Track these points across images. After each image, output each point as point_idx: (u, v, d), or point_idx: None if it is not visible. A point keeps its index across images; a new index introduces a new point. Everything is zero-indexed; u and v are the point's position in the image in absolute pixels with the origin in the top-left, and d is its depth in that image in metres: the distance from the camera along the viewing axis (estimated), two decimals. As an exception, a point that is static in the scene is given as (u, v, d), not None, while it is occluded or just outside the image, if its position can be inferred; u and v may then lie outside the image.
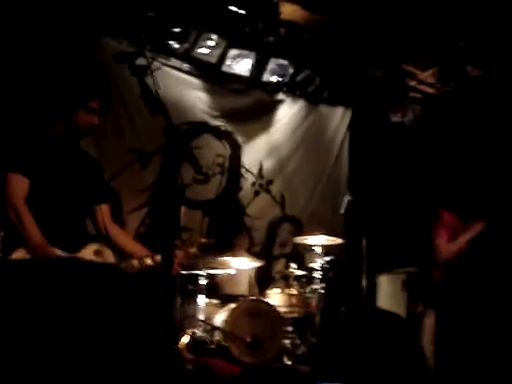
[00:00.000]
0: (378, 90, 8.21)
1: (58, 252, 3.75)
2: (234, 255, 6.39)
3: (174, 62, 7.17)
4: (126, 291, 3.14)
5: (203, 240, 4.96)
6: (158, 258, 4.31)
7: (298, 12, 6.71)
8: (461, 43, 7.00)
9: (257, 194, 8.00)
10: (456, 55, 7.11)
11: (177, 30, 6.71)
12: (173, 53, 7.02)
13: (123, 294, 3.06)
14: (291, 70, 7.63)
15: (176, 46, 6.85)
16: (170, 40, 6.81)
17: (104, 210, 4.22)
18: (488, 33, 6.43)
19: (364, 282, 6.91)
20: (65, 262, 3.57)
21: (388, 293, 7.40)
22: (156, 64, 7.03)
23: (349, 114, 8.85)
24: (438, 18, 6.59)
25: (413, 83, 8.14)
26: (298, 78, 7.79)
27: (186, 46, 6.85)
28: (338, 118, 8.80)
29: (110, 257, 4.08)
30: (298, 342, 6.37)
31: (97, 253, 4.01)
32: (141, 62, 6.94)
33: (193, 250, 4.59)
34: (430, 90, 8.24)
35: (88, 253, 3.95)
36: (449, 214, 4.75)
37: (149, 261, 4.25)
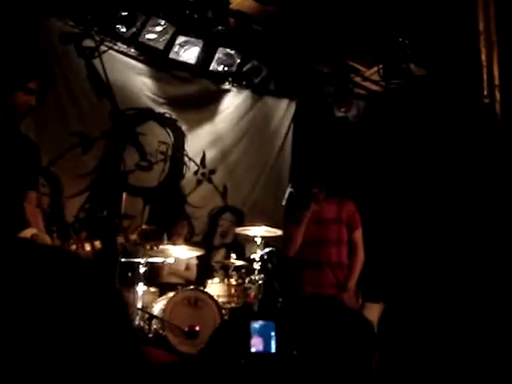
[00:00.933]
0: (323, 85, 8.27)
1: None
2: (173, 243, 6.37)
3: (121, 46, 7.08)
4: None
5: (144, 227, 4.92)
6: (97, 243, 4.25)
7: (247, 2, 6.70)
8: (406, 42, 7.10)
9: (199, 182, 7.97)
10: (401, 54, 7.21)
11: (124, 13, 6.59)
12: (120, 36, 6.91)
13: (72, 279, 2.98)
14: (238, 60, 7.60)
15: (123, 29, 6.74)
16: (117, 23, 6.69)
17: (30, 198, 4.09)
18: (433, 33, 6.54)
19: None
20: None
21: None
22: (103, 47, 6.93)
23: (293, 106, 8.90)
24: (384, 16, 6.67)
25: (358, 79, 8.23)
26: (245, 68, 7.77)
27: (134, 30, 6.74)
28: (283, 110, 8.84)
29: (47, 242, 3.99)
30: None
31: (34, 238, 3.92)
32: (88, 43, 6.88)
33: (133, 237, 4.54)
34: (374, 87, 8.35)
35: (25, 238, 3.86)
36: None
37: (88, 247, 4.17)
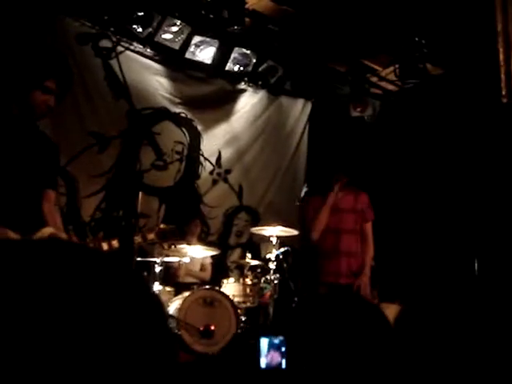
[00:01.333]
0: (339, 84, 8.26)
1: (11, 234, 3.67)
2: (188, 243, 6.38)
3: (137, 46, 7.11)
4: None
5: (162, 226, 4.93)
6: (115, 243, 4.27)
7: (263, 2, 6.69)
8: (422, 41, 7.07)
9: (215, 182, 7.98)
10: (417, 53, 7.18)
11: (140, 13, 6.61)
12: (136, 37, 6.94)
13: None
14: (254, 60, 7.60)
15: (139, 29, 6.76)
16: (134, 24, 6.71)
17: (49, 197, 4.11)
18: (449, 32, 6.50)
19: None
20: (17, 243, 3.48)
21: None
22: (120, 47, 6.96)
23: (309, 106, 8.90)
24: (400, 16, 6.64)
25: (374, 79, 8.21)
26: (261, 68, 7.78)
27: (150, 30, 6.76)
28: (299, 110, 8.84)
29: (65, 242, 4.01)
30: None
31: (51, 237, 3.93)
32: (105, 43, 6.92)
33: (151, 236, 4.55)
34: (390, 87, 8.32)
35: (42, 237, 3.88)
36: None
37: (105, 245, 4.19)
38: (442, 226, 7.03)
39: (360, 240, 4.96)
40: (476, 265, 5.74)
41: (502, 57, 2.74)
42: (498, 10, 2.82)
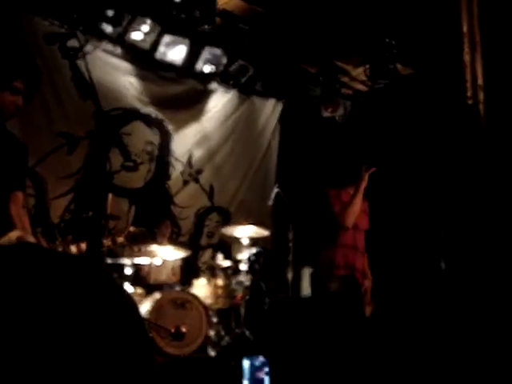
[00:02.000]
0: (310, 85, 8.27)
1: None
2: (159, 244, 6.33)
3: (107, 45, 7.03)
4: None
5: (131, 229, 4.89)
6: (84, 245, 4.23)
7: (234, 2, 6.69)
8: (392, 42, 7.11)
9: (186, 183, 7.94)
10: (387, 54, 7.22)
11: (110, 12, 6.56)
12: (106, 36, 6.88)
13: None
14: (225, 60, 7.57)
15: (109, 29, 6.71)
16: (104, 23, 6.65)
17: (17, 198, 4.03)
18: (418, 32, 6.55)
19: (289, 274, 6.97)
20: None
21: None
22: (89, 47, 6.89)
23: (280, 106, 8.90)
24: (370, 17, 6.68)
25: (344, 79, 8.23)
26: (232, 68, 7.76)
27: (120, 29, 6.72)
28: (270, 110, 8.83)
29: (33, 245, 3.95)
30: (222, 333, 6.39)
31: (19, 240, 3.88)
32: (73, 43, 6.84)
33: (120, 239, 4.52)
34: (360, 87, 8.35)
35: (10, 241, 3.82)
36: (336, 190, 4.90)
37: (74, 248, 4.15)
38: (410, 225, 7.08)
39: None
40: (442, 262, 5.80)
41: (467, 58, 2.77)
42: (463, 11, 2.84)
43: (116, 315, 0.75)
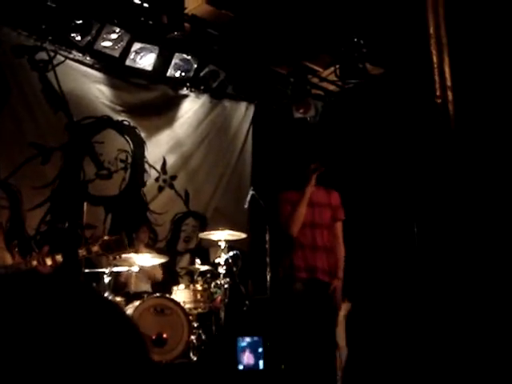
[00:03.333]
0: (281, 87, 8.31)
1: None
2: (136, 251, 6.32)
3: (76, 54, 7.01)
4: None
5: (106, 237, 4.88)
6: (59, 257, 4.21)
7: (202, 7, 6.69)
8: (361, 41, 7.18)
9: (160, 189, 7.94)
10: (356, 53, 7.28)
11: (79, 21, 6.53)
12: (75, 45, 6.85)
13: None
14: (195, 65, 7.58)
15: (78, 38, 6.68)
16: (72, 32, 6.62)
17: None
18: (387, 32, 6.62)
19: (267, 276, 7.01)
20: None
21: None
22: (58, 58, 6.86)
23: (252, 109, 8.93)
24: (339, 17, 6.74)
25: (315, 80, 8.28)
26: (202, 73, 7.76)
27: (89, 38, 6.68)
28: (242, 113, 8.86)
29: (8, 260, 3.94)
30: (203, 337, 6.41)
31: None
32: (41, 56, 6.81)
33: (95, 249, 4.50)
34: (331, 87, 8.41)
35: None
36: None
37: (49, 261, 4.13)
38: (385, 225, 7.15)
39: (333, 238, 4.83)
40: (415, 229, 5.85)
41: (435, 59, 2.83)
42: (429, 12, 2.90)
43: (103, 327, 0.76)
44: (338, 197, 4.90)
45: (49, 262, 4.04)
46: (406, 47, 6.07)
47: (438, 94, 2.85)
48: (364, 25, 6.76)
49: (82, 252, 4.21)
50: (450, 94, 2.87)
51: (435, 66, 2.86)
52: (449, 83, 2.87)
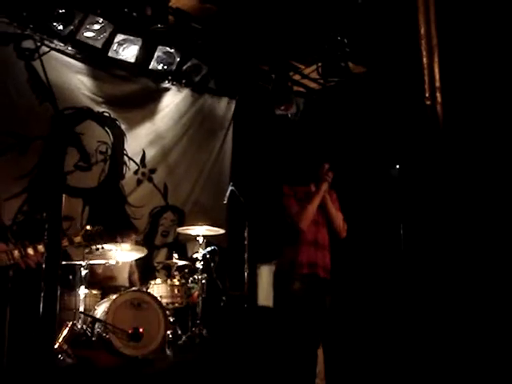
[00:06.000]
0: (263, 83, 8.30)
1: None
2: (117, 244, 6.27)
3: (58, 44, 6.90)
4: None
5: (88, 227, 4.83)
6: (40, 247, 4.16)
7: (186, 0, 6.66)
8: (344, 40, 7.18)
9: (139, 182, 7.88)
10: (339, 52, 7.29)
11: (61, 10, 6.44)
12: (57, 34, 6.75)
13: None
14: (178, 59, 7.53)
15: (60, 27, 6.59)
16: (54, 21, 6.53)
17: None
18: (372, 31, 6.64)
19: (245, 272, 7.02)
20: None
21: (269, 282, 7.53)
22: (44, 48, 6.77)
23: (233, 104, 8.92)
24: (323, 15, 6.73)
25: (297, 77, 8.28)
26: (185, 66, 7.72)
27: (71, 28, 6.60)
28: (223, 109, 8.84)
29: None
30: (179, 332, 6.39)
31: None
32: (27, 44, 6.71)
33: (77, 239, 4.45)
34: (313, 85, 8.42)
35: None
36: (293, 187, 4.72)
37: (31, 250, 4.08)
38: (365, 224, 7.17)
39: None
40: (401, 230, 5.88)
41: (425, 60, 2.83)
42: (420, 12, 2.90)
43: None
44: (336, 197, 4.90)
45: (30, 251, 4.00)
46: (393, 47, 6.09)
47: (427, 94, 2.86)
48: (348, 24, 6.77)
49: (63, 242, 4.18)
50: (438, 95, 2.88)
51: (425, 66, 2.87)
52: (438, 84, 2.88)
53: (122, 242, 6.55)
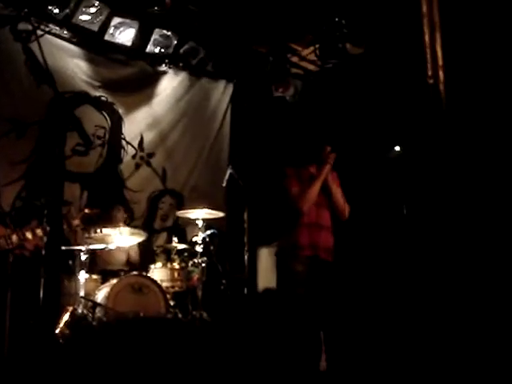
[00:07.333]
0: (260, 65, 8.24)
1: None
2: (115, 228, 6.25)
3: (54, 28, 6.85)
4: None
5: (87, 210, 4.80)
6: (39, 231, 4.15)
7: (183, -18, 6.61)
8: (342, 21, 7.13)
9: (137, 166, 7.85)
10: (337, 33, 7.24)
11: (57, -6, 6.39)
12: (52, 18, 6.70)
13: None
14: (175, 42, 7.48)
15: (56, 10, 6.53)
16: (50, 4, 6.47)
17: None
18: (370, 12, 6.59)
19: (245, 255, 7.01)
20: None
21: (268, 265, 7.53)
22: (39, 32, 6.71)
23: (231, 87, 8.87)
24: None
25: (294, 59, 8.23)
26: (182, 49, 7.66)
27: (67, 11, 6.55)
28: (221, 92, 8.79)
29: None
30: (180, 315, 6.38)
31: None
32: (24, 26, 6.64)
33: (76, 222, 4.45)
34: (310, 67, 8.37)
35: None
36: (297, 169, 4.68)
37: (29, 235, 4.08)
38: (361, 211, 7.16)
39: None
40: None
41: (427, 39, 2.80)
42: (422, -9, 2.89)
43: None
44: (337, 177, 4.83)
45: (29, 235, 3.99)
46: (394, 26, 6.04)
47: (429, 73, 2.83)
48: (346, 4, 6.71)
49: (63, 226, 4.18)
50: (441, 73, 2.85)
51: (427, 45, 2.84)
52: (440, 63, 2.85)
53: (114, 219, 6.54)
